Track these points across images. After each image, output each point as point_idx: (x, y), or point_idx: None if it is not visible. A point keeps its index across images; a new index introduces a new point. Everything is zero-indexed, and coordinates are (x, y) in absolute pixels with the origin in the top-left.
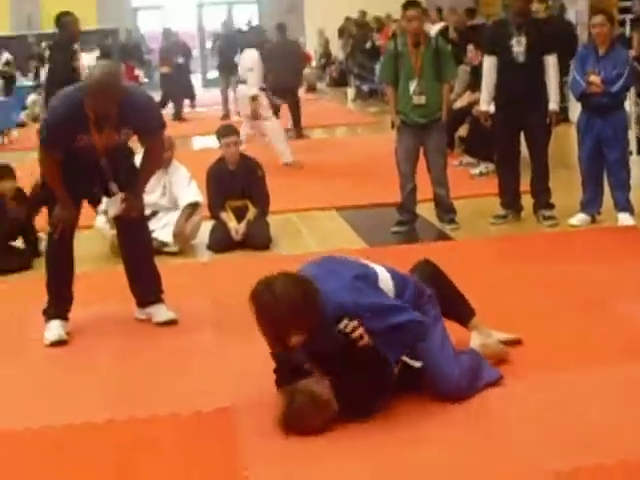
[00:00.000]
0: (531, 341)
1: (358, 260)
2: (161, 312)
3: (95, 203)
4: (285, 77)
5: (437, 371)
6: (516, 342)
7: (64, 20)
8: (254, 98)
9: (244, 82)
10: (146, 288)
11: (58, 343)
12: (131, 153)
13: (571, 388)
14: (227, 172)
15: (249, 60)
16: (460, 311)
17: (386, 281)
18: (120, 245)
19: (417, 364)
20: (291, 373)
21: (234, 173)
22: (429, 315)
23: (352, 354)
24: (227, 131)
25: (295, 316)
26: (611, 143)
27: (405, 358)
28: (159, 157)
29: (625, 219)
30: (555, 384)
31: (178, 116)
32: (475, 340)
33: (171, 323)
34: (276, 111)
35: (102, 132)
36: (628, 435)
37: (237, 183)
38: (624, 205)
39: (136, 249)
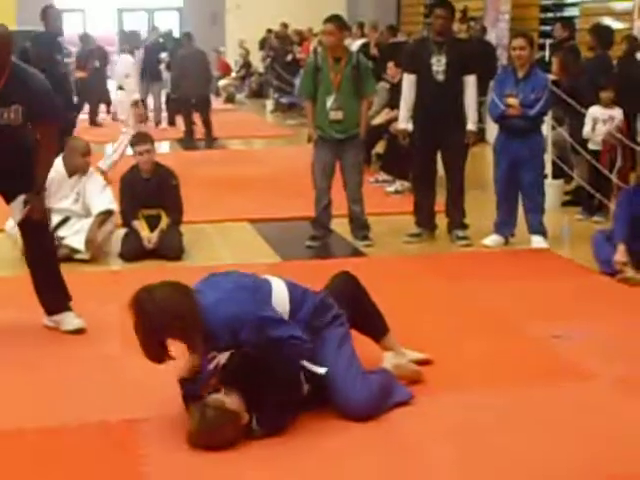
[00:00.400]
0: (440, 361)
1: (253, 275)
2: (69, 320)
3: None
4: (196, 85)
5: (343, 392)
6: (426, 362)
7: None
8: (136, 103)
9: (121, 88)
10: (53, 296)
11: None
12: (27, 151)
13: (480, 409)
14: (141, 180)
15: (125, 66)
16: (374, 327)
17: (281, 295)
18: (25, 251)
19: (321, 370)
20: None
21: (148, 181)
22: (332, 334)
23: (257, 368)
24: (140, 139)
25: (172, 319)
26: (527, 165)
27: (306, 363)
28: (53, 147)
29: (538, 242)
30: (464, 405)
31: (93, 121)
32: (388, 360)
33: (79, 332)
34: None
35: None
36: (535, 459)
37: (151, 192)
38: (537, 228)
39: (41, 256)
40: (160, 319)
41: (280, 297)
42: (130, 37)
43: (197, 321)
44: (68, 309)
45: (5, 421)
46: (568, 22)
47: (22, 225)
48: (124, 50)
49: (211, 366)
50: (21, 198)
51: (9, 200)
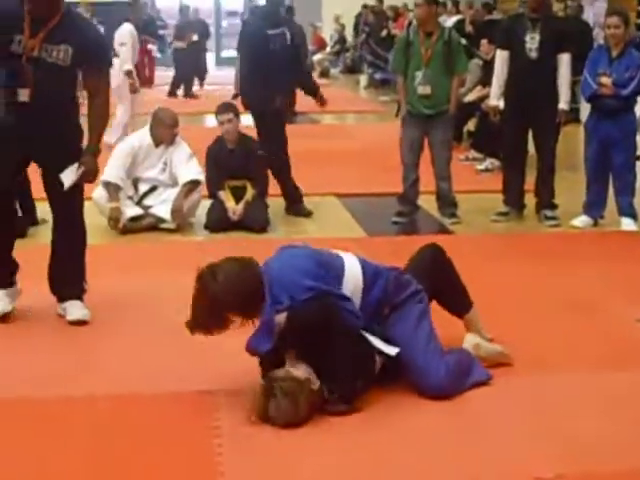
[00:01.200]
0: (523, 341)
1: (326, 250)
2: (74, 310)
3: None
4: None
5: (420, 369)
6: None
7: None
8: (129, 73)
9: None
10: (66, 282)
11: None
12: (74, 104)
13: (559, 391)
14: (226, 151)
15: (122, 35)
16: (458, 302)
17: (354, 271)
18: (53, 232)
19: (392, 351)
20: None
21: (233, 152)
22: (410, 311)
23: (329, 336)
24: (223, 108)
25: (234, 299)
26: (618, 146)
27: (379, 344)
28: (106, 100)
29: (628, 224)
30: (543, 387)
31: (188, 93)
32: (468, 341)
33: (81, 323)
34: None
35: (35, 37)
36: (616, 443)
37: (236, 162)
38: (628, 210)
39: (67, 241)
40: (222, 299)
41: (353, 273)
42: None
43: (258, 300)
44: (78, 298)
45: (77, 387)
46: None
47: (55, 206)
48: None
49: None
50: (75, 164)
51: (49, 174)
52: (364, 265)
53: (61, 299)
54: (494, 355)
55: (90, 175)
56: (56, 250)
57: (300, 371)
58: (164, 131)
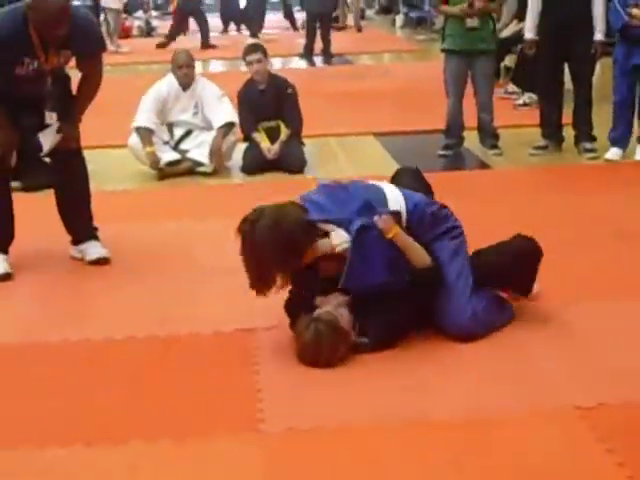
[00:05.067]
0: (560, 270)
1: (365, 182)
2: (93, 250)
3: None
4: (322, 1)
5: (446, 307)
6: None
7: None
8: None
9: None
10: (81, 224)
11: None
12: (67, 79)
13: (603, 320)
14: (257, 92)
15: None
16: (520, 288)
17: (396, 199)
18: (54, 179)
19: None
20: (303, 307)
21: (263, 92)
22: (444, 246)
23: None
24: (251, 49)
25: (274, 258)
26: None
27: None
28: (98, 82)
29: None
30: (586, 315)
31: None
32: None
33: (103, 262)
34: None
35: (48, 55)
36: None
37: (267, 103)
38: None
39: (73, 182)
40: (264, 255)
41: (395, 201)
42: None
43: (300, 254)
44: (94, 238)
45: (116, 330)
46: None
47: (53, 153)
48: None
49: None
50: (54, 126)
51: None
52: (406, 194)
53: (77, 241)
54: None
55: (69, 141)
56: (63, 193)
57: (344, 318)
58: (178, 72)
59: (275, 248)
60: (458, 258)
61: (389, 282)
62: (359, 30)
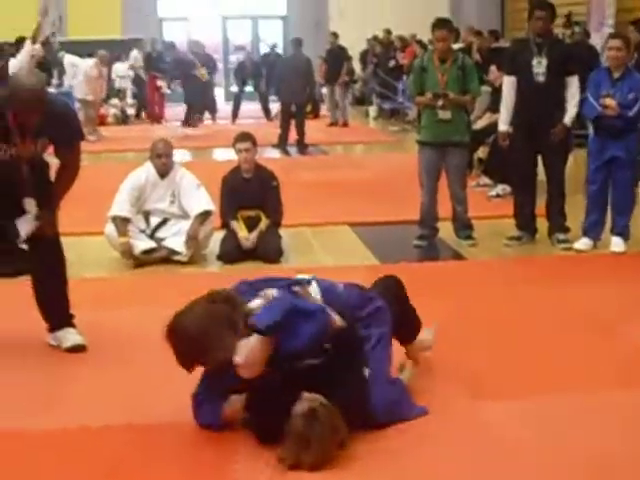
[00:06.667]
0: (537, 362)
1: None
2: (70, 337)
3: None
4: (294, 91)
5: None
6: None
7: None
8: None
9: None
10: (57, 312)
11: None
12: (46, 166)
13: (571, 411)
14: (242, 180)
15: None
16: (404, 331)
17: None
18: (32, 266)
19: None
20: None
21: (248, 182)
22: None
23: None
24: (241, 137)
25: (195, 350)
26: (623, 166)
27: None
28: (75, 171)
29: (618, 244)
30: (555, 406)
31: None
32: (405, 373)
33: (79, 349)
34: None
35: (24, 142)
36: (634, 463)
37: (251, 192)
38: (622, 230)
39: (51, 269)
40: (189, 353)
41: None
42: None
43: (226, 350)
44: (71, 325)
45: (92, 418)
46: None
47: (31, 239)
48: None
49: None
50: (32, 214)
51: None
52: (322, 285)
53: (53, 328)
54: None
55: (46, 228)
56: (40, 280)
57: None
58: (156, 161)
59: (196, 340)
60: (380, 343)
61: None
62: (345, 125)
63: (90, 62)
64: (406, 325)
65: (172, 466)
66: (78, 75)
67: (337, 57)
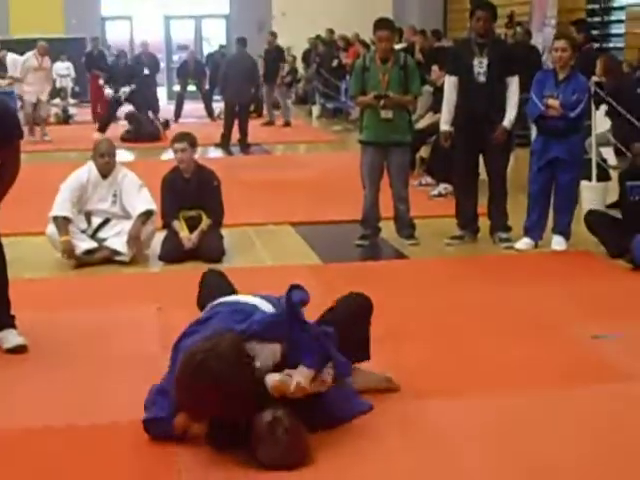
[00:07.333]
0: (481, 362)
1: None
2: (10, 338)
3: None
4: (239, 90)
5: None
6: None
7: None
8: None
9: None
10: None
11: None
12: None
13: (518, 411)
14: (181, 180)
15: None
16: (358, 353)
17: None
18: None
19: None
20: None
21: (188, 182)
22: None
23: None
24: (178, 138)
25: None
26: (566, 167)
27: None
28: (15, 170)
29: (559, 243)
30: (498, 405)
31: None
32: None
33: (20, 350)
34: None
35: None
36: (578, 462)
37: (191, 192)
38: (564, 229)
39: None
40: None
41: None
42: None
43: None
44: (12, 326)
45: (33, 419)
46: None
47: None
48: None
49: None
50: None
51: None
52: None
53: None
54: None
55: None
56: None
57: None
58: (99, 160)
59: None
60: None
61: None
62: (287, 124)
63: (29, 54)
64: (360, 345)
65: (113, 467)
66: (17, 70)
67: (275, 57)
